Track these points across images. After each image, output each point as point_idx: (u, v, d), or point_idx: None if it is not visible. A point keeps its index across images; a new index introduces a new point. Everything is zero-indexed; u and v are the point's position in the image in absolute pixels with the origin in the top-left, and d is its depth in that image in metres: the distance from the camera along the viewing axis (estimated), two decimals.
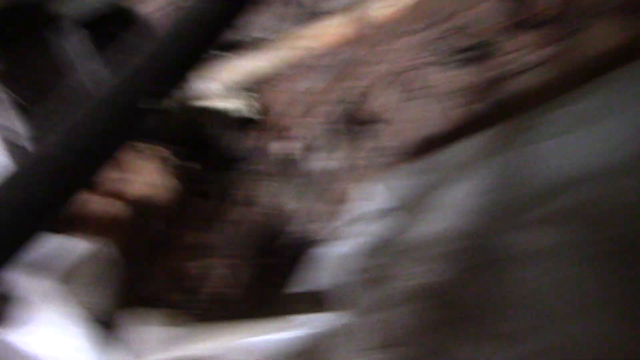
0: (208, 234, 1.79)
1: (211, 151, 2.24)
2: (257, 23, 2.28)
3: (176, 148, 2.11)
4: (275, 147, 2.07)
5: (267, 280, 1.48)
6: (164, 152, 1.78)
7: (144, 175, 1.72)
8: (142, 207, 1.77)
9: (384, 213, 1.18)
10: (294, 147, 1.92)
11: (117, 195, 1.67)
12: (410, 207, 1.13)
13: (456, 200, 1.04)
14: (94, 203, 1.62)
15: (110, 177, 1.68)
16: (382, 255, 1.11)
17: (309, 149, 1.85)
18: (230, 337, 1.13)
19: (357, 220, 1.29)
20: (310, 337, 1.10)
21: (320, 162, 1.75)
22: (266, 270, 1.54)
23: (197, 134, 2.30)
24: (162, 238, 1.81)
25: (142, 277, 1.72)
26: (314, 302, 1.20)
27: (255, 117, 2.32)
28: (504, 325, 0.78)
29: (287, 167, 1.89)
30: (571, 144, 1.00)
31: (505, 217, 0.96)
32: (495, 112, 1.28)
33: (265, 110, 2.32)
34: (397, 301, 0.96)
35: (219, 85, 2.25)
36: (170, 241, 1.82)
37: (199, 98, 2.22)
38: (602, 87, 1.03)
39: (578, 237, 0.87)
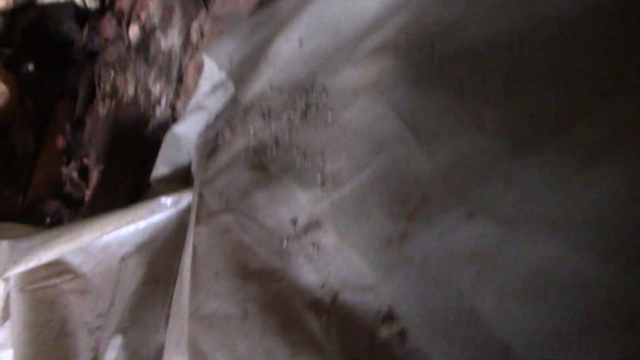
0: (69, 136, 1.65)
1: (60, 49, 2.04)
2: None
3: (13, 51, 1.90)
4: (119, 32, 1.90)
5: (139, 169, 1.39)
6: None
7: None
8: None
9: (218, 85, 1.09)
10: (137, 30, 1.77)
11: None
12: (241, 70, 1.04)
13: (282, 52, 0.96)
14: None
15: None
16: (220, 126, 1.03)
17: (151, 29, 1.69)
18: (98, 231, 1.03)
19: (201, 96, 1.19)
20: (177, 215, 1.03)
21: (164, 41, 1.61)
22: (138, 160, 1.45)
23: (43, 31, 2.08)
24: (20, 148, 1.66)
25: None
26: (177, 181, 1.13)
27: (93, 5, 2.12)
28: (327, 169, 0.72)
29: (137, 51, 1.74)
30: None
31: (331, 58, 0.89)
32: None
33: None
34: (233, 164, 0.89)
35: None
36: (30, 150, 1.67)
37: None
38: None
39: (406, 61, 0.81)
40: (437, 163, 0.62)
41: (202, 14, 1.53)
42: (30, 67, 1.84)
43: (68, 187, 1.55)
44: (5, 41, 1.98)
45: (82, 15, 2.14)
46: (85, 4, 2.14)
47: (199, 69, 1.43)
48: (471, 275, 0.52)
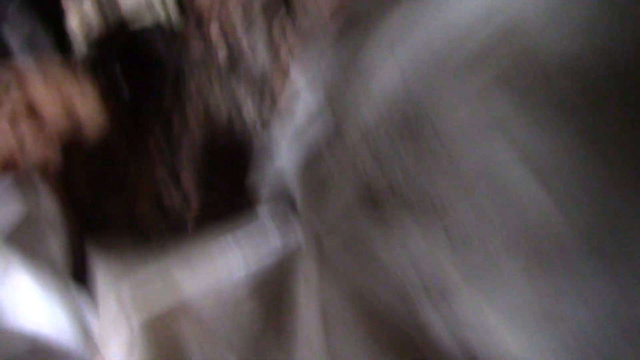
0: (165, 156, 1.69)
1: (145, 62, 2.08)
2: None
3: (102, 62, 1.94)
4: (202, 48, 1.91)
5: (234, 191, 1.41)
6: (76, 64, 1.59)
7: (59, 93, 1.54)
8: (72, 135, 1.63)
9: (314, 114, 1.07)
10: (220, 45, 1.77)
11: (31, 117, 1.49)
12: (335, 94, 1.02)
13: (383, 85, 0.93)
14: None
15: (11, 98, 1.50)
16: (325, 162, 1.02)
17: (236, 45, 1.70)
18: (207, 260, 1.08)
19: (298, 125, 1.18)
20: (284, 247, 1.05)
21: (249, 57, 1.61)
22: (233, 180, 1.46)
23: (138, 58, 2.12)
24: (109, 169, 1.71)
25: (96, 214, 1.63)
26: (280, 214, 1.14)
27: (177, 19, 2.14)
28: (450, 222, 0.70)
29: (229, 68, 1.75)
30: None
31: (436, 88, 0.86)
32: None
33: (184, 11, 2.13)
34: (347, 206, 0.89)
35: None
36: (120, 170, 1.72)
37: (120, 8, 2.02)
38: None
39: (523, 97, 0.78)
40: (576, 224, 0.59)
41: (288, 26, 1.51)
42: (126, 93, 1.88)
43: (169, 210, 1.58)
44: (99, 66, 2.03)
45: (163, 28, 2.17)
46: (170, 23, 2.16)
47: (286, 79, 1.41)
48: None
